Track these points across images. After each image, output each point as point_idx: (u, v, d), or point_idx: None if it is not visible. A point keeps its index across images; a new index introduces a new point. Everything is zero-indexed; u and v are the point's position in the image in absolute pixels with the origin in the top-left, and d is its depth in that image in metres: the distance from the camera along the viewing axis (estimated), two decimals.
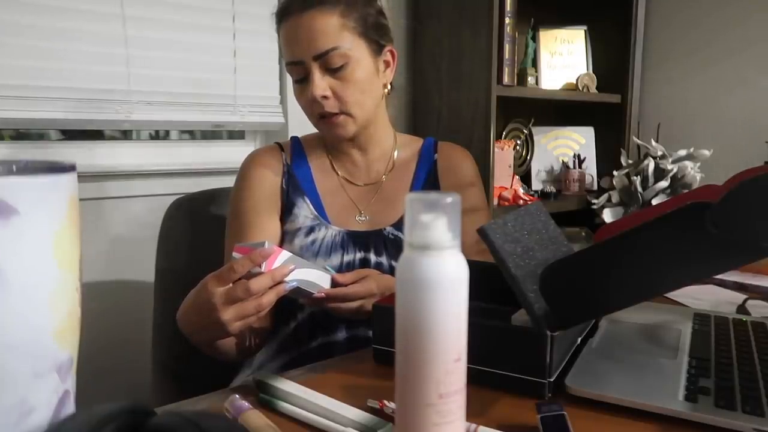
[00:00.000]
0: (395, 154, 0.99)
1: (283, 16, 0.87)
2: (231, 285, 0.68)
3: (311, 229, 0.91)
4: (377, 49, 0.91)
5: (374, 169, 0.98)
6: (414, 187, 0.97)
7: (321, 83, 0.85)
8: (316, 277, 0.76)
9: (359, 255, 0.90)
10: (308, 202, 0.93)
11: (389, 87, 0.95)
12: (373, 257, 0.90)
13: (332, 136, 0.92)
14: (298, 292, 0.74)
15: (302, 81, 0.88)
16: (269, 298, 0.68)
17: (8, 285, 0.36)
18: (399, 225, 0.93)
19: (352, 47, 0.86)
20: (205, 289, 0.69)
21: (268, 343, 0.92)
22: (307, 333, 0.89)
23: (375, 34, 0.90)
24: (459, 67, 1.67)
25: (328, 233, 0.91)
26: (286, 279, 0.70)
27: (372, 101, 0.91)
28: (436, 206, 0.40)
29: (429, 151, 1.01)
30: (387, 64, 0.94)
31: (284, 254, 0.72)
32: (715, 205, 0.47)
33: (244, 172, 0.96)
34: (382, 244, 0.91)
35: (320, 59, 0.85)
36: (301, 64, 0.86)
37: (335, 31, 0.84)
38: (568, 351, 0.62)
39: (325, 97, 0.86)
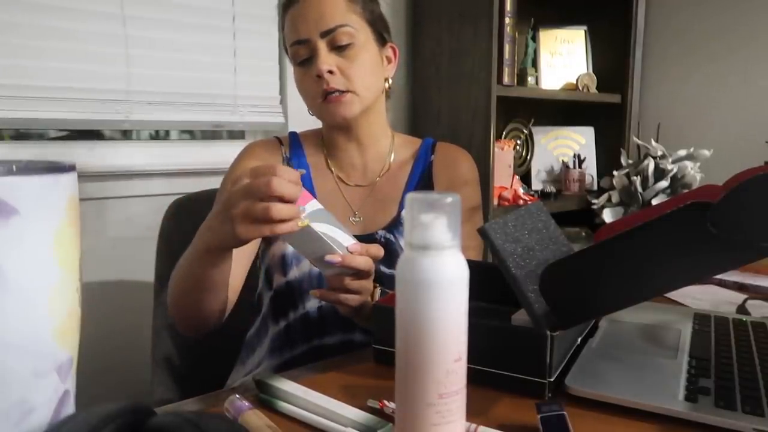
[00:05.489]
0: (392, 155, 0.98)
1: (290, 1, 0.88)
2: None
3: None
4: (381, 40, 0.92)
5: (370, 170, 0.96)
6: (407, 189, 0.96)
7: (327, 59, 0.85)
8: (341, 237, 0.71)
9: None
10: None
11: (390, 83, 0.95)
12: None
13: (337, 115, 0.88)
14: (313, 245, 0.69)
15: (306, 62, 0.88)
16: (286, 225, 0.62)
17: (8, 285, 0.36)
18: (390, 227, 0.91)
19: (359, 30, 0.87)
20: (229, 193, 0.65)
21: (260, 343, 0.92)
22: (300, 335, 0.88)
23: (380, 26, 0.91)
24: (459, 67, 1.67)
25: None
26: (315, 227, 0.66)
27: (376, 86, 0.91)
28: (436, 206, 0.40)
29: (426, 152, 0.99)
30: (389, 59, 0.95)
31: (316, 203, 0.69)
32: (715, 205, 0.47)
33: (238, 161, 0.95)
34: None
35: (327, 36, 0.85)
36: (306, 42, 0.86)
37: (343, 10, 0.86)
38: (568, 351, 0.62)
39: (331, 72, 0.85)
